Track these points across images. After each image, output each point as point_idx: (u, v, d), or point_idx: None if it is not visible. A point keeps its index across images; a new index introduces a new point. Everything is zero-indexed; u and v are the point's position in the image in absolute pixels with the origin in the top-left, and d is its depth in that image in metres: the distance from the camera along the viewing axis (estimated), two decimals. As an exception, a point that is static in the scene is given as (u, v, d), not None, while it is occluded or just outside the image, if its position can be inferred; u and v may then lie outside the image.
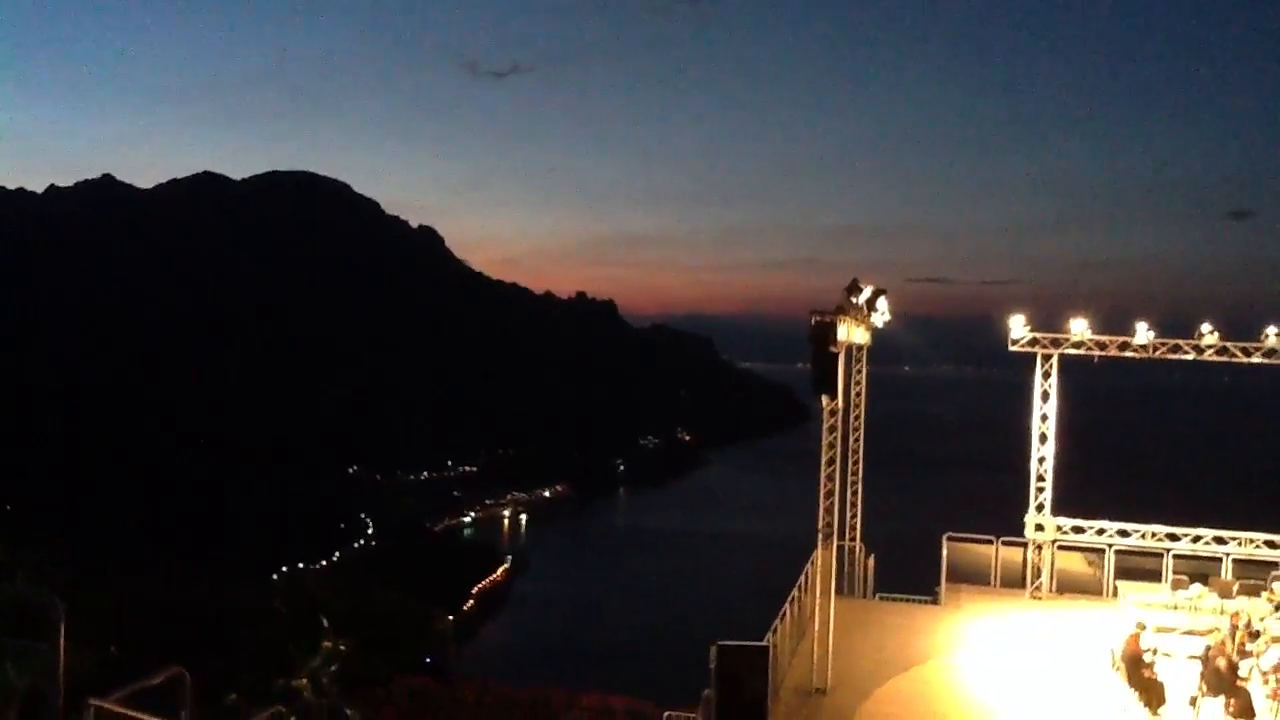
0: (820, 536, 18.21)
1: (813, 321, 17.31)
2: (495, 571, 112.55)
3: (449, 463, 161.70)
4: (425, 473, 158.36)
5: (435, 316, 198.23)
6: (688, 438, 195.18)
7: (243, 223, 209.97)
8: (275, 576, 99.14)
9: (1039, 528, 24.15)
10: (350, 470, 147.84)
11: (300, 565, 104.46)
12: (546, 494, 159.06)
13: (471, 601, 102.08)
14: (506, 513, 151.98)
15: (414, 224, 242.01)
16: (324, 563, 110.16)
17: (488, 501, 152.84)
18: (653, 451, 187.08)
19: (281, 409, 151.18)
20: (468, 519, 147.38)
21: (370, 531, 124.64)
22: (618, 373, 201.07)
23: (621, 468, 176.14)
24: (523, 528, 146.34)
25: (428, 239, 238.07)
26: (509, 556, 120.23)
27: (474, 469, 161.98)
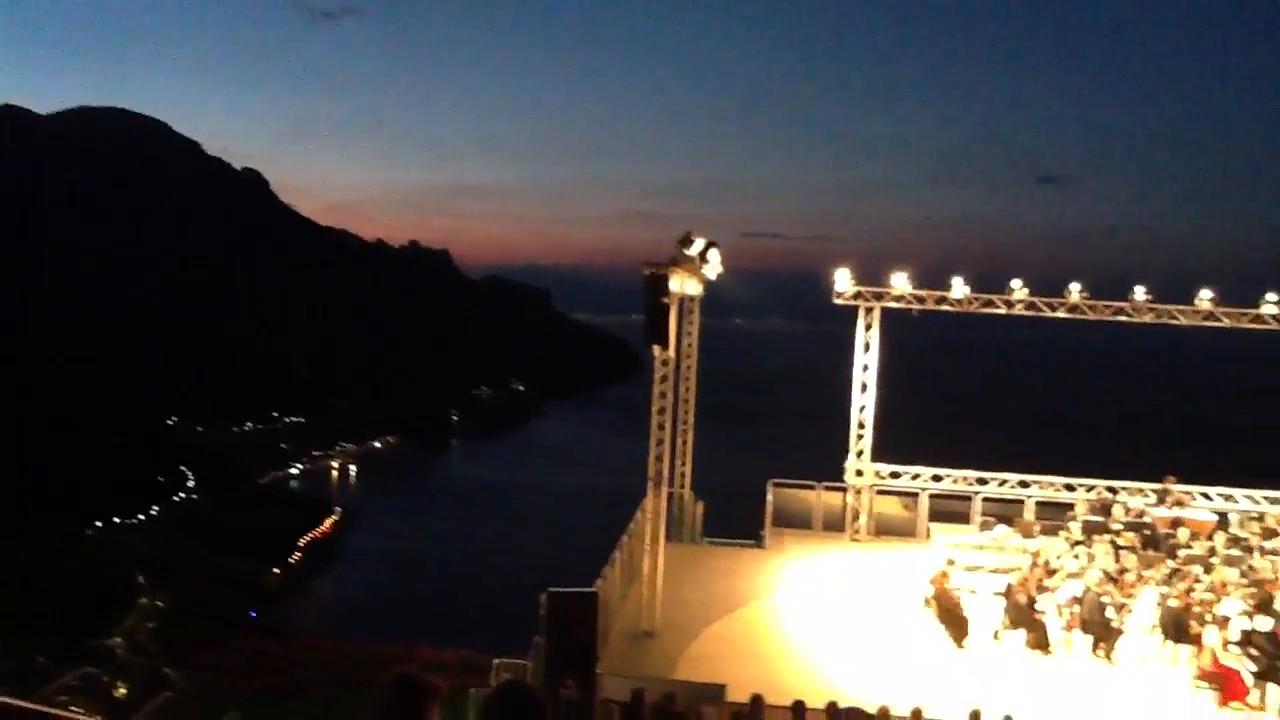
0: (650, 484, 18.55)
1: (645, 273, 17.51)
2: (323, 524, 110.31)
3: (274, 414, 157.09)
4: (249, 424, 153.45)
5: (259, 262, 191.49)
6: (522, 389, 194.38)
7: (48, 161, 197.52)
8: (89, 533, 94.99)
9: (858, 474, 25.16)
10: (169, 422, 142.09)
11: (116, 521, 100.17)
12: (377, 445, 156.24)
13: (299, 555, 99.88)
14: (335, 465, 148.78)
15: (238, 166, 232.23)
16: (141, 518, 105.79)
17: (315, 453, 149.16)
18: (487, 403, 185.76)
19: (92, 359, 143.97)
20: (295, 471, 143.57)
21: (191, 485, 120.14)
22: (451, 323, 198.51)
23: (455, 419, 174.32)
24: (352, 480, 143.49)
25: (252, 182, 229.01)
26: (338, 509, 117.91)
27: (301, 420, 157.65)
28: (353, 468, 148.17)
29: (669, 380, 18.81)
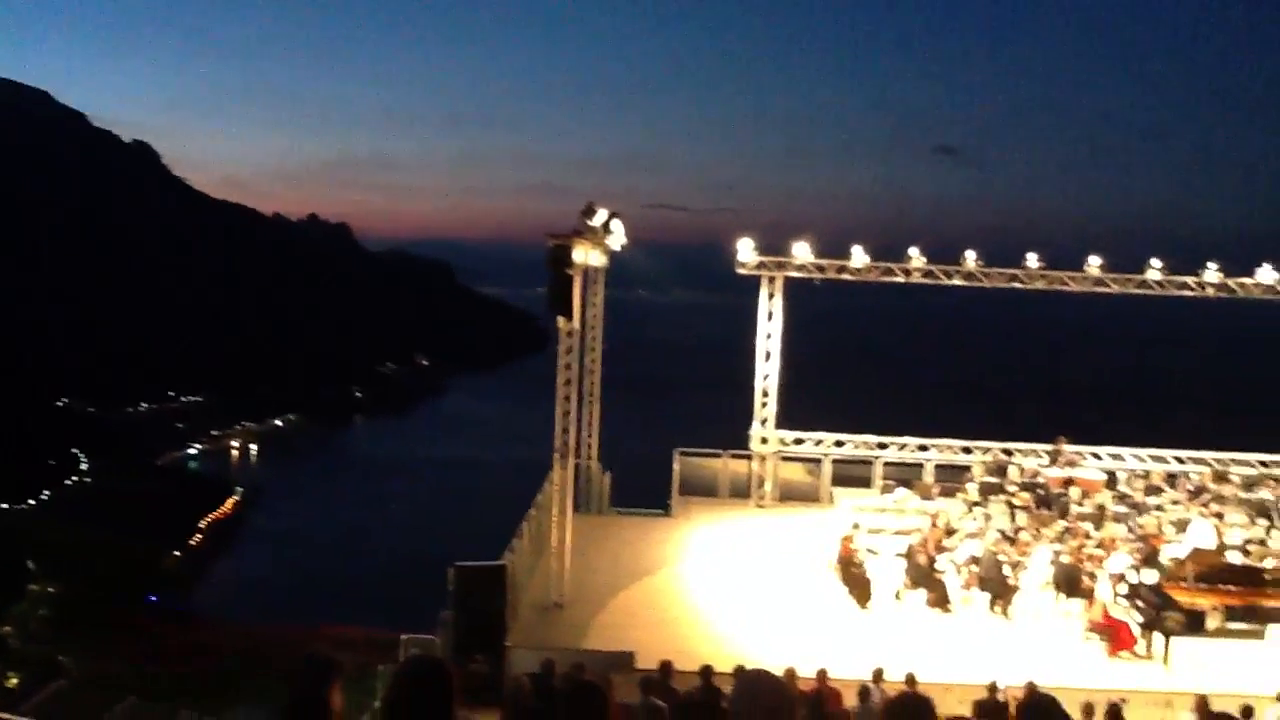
0: (557, 456, 18.56)
1: (549, 244, 17.44)
2: (224, 504, 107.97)
3: (170, 393, 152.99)
4: (144, 404, 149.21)
5: (150, 238, 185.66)
6: (427, 364, 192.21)
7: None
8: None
9: (763, 441, 25.47)
10: (59, 403, 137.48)
11: (4, 507, 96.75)
12: (279, 424, 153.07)
13: (199, 537, 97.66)
14: (236, 444, 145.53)
15: (126, 139, 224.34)
16: (31, 503, 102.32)
17: (215, 433, 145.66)
18: (392, 379, 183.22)
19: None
20: (193, 451, 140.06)
21: (84, 467, 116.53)
22: (354, 298, 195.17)
23: (359, 395, 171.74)
24: (254, 459, 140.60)
25: (142, 155, 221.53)
26: (239, 489, 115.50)
27: (198, 399, 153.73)
28: (254, 447, 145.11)
29: (574, 352, 18.80)
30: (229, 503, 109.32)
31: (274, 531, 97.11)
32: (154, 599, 67.33)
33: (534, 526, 19.85)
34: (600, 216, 19.52)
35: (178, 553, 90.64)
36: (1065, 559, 18.40)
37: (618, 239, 21.75)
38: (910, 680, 12.83)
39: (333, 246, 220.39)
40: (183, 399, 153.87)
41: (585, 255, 19.01)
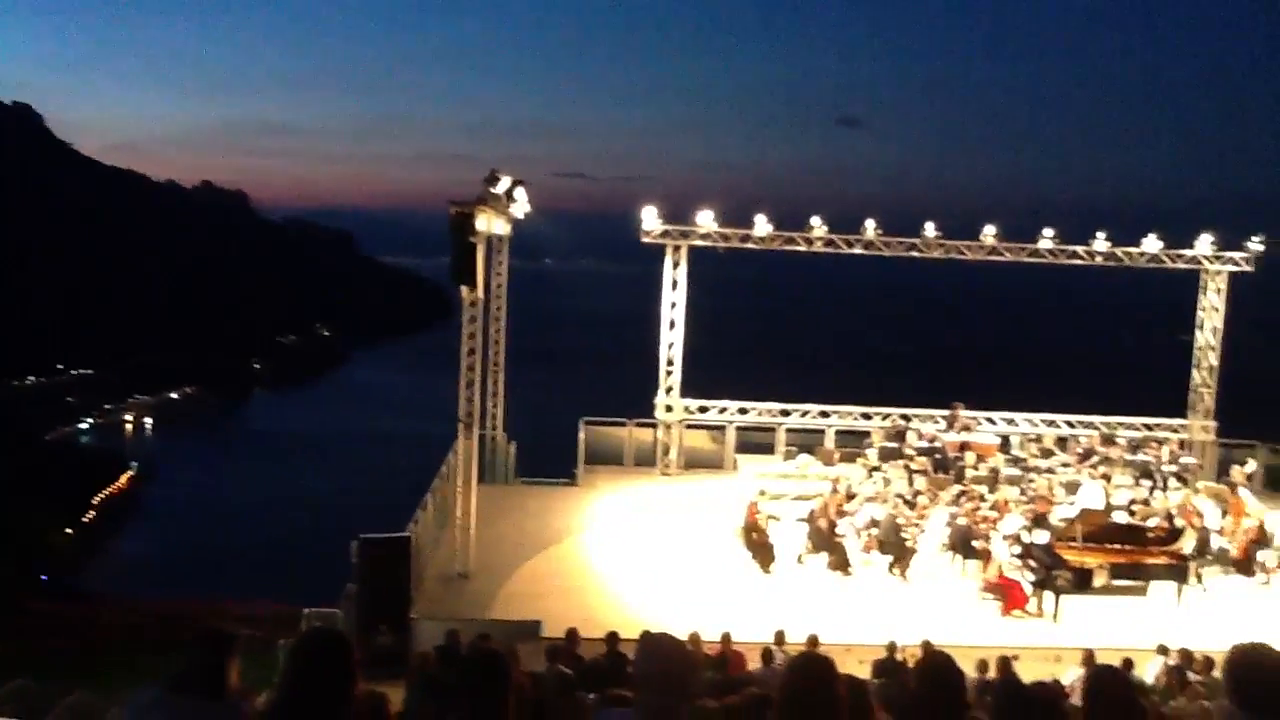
0: (461, 427, 18.43)
1: (452, 212, 17.24)
2: (119, 480, 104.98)
3: (60, 366, 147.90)
4: (31, 378, 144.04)
5: (32, 206, 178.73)
6: (329, 334, 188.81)
7: None
8: None
9: (668, 409, 25.63)
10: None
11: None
12: (174, 397, 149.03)
13: (93, 513, 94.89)
14: (129, 418, 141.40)
15: (7, 100, 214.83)
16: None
17: (107, 407, 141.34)
18: (292, 350, 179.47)
19: None
20: (84, 426, 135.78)
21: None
22: (251, 268, 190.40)
23: (258, 367, 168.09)
24: (149, 433, 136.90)
25: (23, 117, 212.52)
26: (134, 464, 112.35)
27: (89, 372, 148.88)
28: (148, 421, 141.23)
29: (478, 321, 18.65)
30: (123, 478, 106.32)
31: (171, 507, 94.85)
32: (45, 578, 65.34)
33: (438, 498, 19.72)
34: (504, 184, 19.35)
35: (69, 530, 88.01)
36: (961, 521, 18.91)
37: (521, 207, 21.61)
38: (811, 641, 13.08)
39: (228, 215, 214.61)
40: (72, 372, 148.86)
41: (488, 224, 18.83)
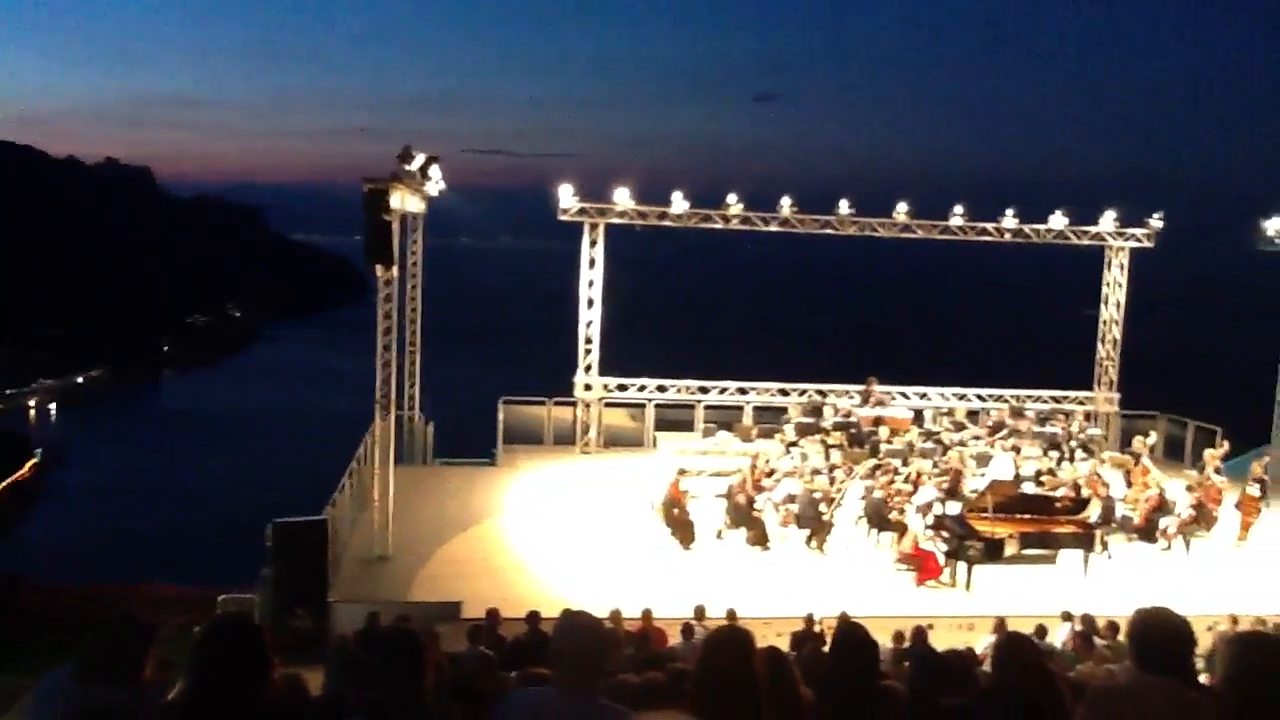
0: (378, 407, 18.22)
1: (365, 189, 16.96)
2: (24, 466, 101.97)
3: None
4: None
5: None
6: (240, 314, 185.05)
7: None
8: None
9: (587, 388, 25.62)
10: None
11: None
12: (80, 380, 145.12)
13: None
14: (33, 402, 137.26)
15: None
16: None
17: (9, 391, 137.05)
18: (202, 330, 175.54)
19: None
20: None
21: None
22: (158, 247, 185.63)
23: (166, 348, 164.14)
24: (54, 417, 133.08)
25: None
26: (40, 449, 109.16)
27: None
28: (53, 405, 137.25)
29: (393, 300, 18.42)
30: (29, 464, 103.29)
31: (80, 491, 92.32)
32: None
33: (356, 479, 19.50)
34: (418, 161, 19.11)
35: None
36: (877, 494, 19.23)
37: (436, 184, 21.38)
38: (730, 616, 13.21)
39: (133, 192, 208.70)
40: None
41: (403, 201, 18.59)
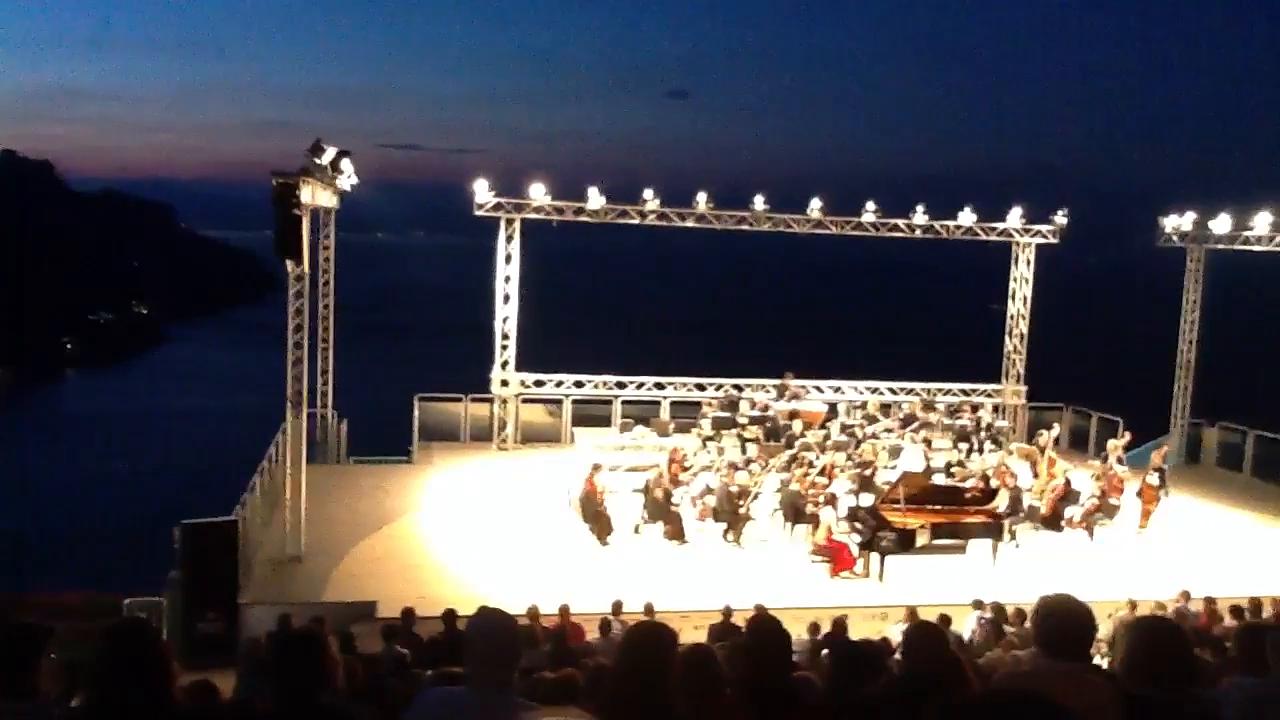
0: (290, 405, 17.90)
1: (274, 183, 16.64)
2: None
3: None
4: None
5: None
6: (146, 312, 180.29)
7: None
8: None
9: (504, 383, 25.49)
10: None
11: None
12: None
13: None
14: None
15: None
16: None
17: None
18: (107, 328, 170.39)
19: None
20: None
21: None
22: (60, 243, 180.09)
23: (70, 347, 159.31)
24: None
25: None
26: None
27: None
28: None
29: (305, 296, 18.13)
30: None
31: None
32: None
33: (267, 479, 19.16)
34: (329, 154, 18.80)
35: None
36: (792, 487, 19.43)
37: (348, 178, 21.09)
38: (648, 610, 13.26)
39: (33, 186, 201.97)
40: None
41: (314, 195, 18.28)
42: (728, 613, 13.71)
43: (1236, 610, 13.79)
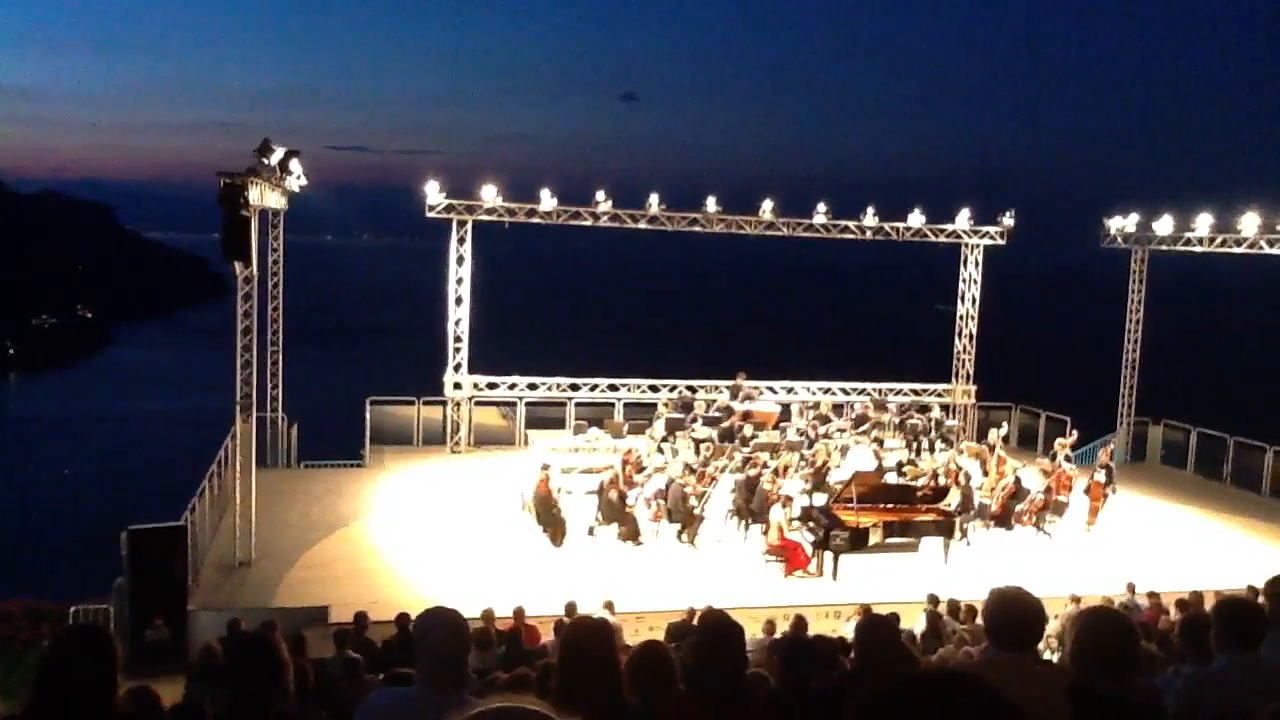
0: (239, 409, 17.68)
1: (221, 184, 16.45)
2: None
3: None
4: None
5: None
6: (90, 315, 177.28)
7: None
8: None
9: (457, 386, 25.35)
10: None
11: None
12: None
13: None
14: None
15: None
16: None
17: None
18: (49, 331, 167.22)
19: None
20: None
21: None
22: None
23: (10, 351, 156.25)
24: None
25: None
26: None
27: None
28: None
29: (253, 299, 17.91)
30: None
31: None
32: None
33: (216, 484, 18.91)
34: (277, 155, 18.61)
35: None
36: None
37: (296, 179, 20.87)
38: (609, 607, 13.25)
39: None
40: None
41: (261, 196, 18.07)
42: (692, 613, 13.73)
43: (1182, 604, 14.03)
